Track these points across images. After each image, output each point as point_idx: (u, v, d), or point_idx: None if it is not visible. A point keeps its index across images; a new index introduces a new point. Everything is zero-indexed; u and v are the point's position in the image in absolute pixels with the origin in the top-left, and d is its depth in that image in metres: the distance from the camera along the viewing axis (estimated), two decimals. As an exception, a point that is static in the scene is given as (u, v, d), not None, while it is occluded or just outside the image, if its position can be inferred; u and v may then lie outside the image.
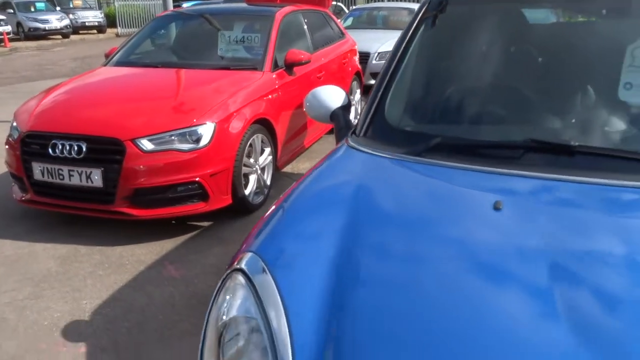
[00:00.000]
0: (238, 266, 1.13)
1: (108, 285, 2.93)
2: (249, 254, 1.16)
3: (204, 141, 3.38)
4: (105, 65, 4.67)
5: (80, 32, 22.95)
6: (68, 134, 3.37)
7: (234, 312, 1.05)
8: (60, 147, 3.36)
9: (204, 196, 3.43)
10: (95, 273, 3.07)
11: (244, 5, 5.62)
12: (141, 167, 3.25)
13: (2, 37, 18.12)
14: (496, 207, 1.18)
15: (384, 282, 1.01)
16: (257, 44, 4.51)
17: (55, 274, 3.06)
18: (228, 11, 5.21)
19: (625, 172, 1.35)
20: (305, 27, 5.20)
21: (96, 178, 3.30)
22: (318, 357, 0.89)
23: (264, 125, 3.95)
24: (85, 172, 3.31)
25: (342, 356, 0.88)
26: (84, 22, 23.18)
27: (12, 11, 21.04)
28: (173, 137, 3.36)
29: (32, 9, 21.51)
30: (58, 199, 3.47)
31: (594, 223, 1.17)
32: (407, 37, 1.92)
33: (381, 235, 1.16)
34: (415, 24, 1.95)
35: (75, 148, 3.33)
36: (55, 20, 21.26)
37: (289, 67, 4.40)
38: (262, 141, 3.92)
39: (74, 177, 3.34)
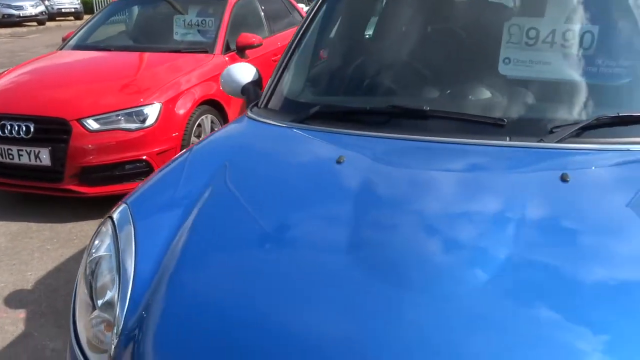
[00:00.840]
0: (110, 215, 1.30)
1: (54, 259, 3.07)
2: (123, 205, 1.32)
3: (150, 120, 3.52)
4: (60, 49, 4.75)
5: (57, 18, 22.69)
6: (16, 115, 3.48)
7: (100, 252, 1.22)
8: (9, 127, 3.47)
9: (151, 173, 3.57)
10: (44, 247, 3.20)
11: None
12: (88, 146, 3.38)
13: (-26, 24, 17.88)
14: (338, 161, 1.35)
15: (216, 226, 1.18)
16: (211, 27, 4.63)
17: (4, 249, 3.19)
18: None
19: (487, 134, 1.50)
20: (262, 12, 5.32)
21: (44, 157, 3.42)
22: (149, 288, 1.06)
23: (215, 106, 4.08)
24: (34, 151, 3.43)
25: (162, 288, 1.04)
26: (60, 9, 22.92)
27: (-16, -3, 20.71)
28: (119, 117, 3.48)
29: (6, -5, 21.19)
30: (9, 178, 3.58)
31: (424, 175, 1.35)
32: (310, 16, 2.07)
33: (236, 188, 1.33)
34: (317, 3, 2.11)
35: (24, 128, 3.44)
36: (30, 7, 21.00)
37: (241, 50, 4.52)
38: (212, 122, 4.05)
39: (23, 156, 3.46)
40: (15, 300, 2.67)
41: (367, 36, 2.11)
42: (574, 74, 1.81)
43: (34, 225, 3.46)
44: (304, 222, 1.19)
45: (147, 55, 4.34)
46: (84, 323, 1.15)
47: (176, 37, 4.73)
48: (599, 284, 0.96)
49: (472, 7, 2.09)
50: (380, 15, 2.12)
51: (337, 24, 2.10)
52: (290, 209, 1.22)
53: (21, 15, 20.56)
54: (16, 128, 3.45)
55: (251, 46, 4.54)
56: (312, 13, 2.09)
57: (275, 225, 1.17)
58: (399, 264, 1.00)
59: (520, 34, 1.87)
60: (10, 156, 3.49)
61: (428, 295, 0.93)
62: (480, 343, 0.85)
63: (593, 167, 1.36)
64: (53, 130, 3.43)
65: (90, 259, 1.22)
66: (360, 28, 2.04)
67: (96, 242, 1.25)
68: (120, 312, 1.07)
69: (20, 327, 2.45)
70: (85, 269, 1.22)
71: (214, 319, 0.96)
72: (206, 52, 4.31)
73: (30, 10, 21.00)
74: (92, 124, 3.41)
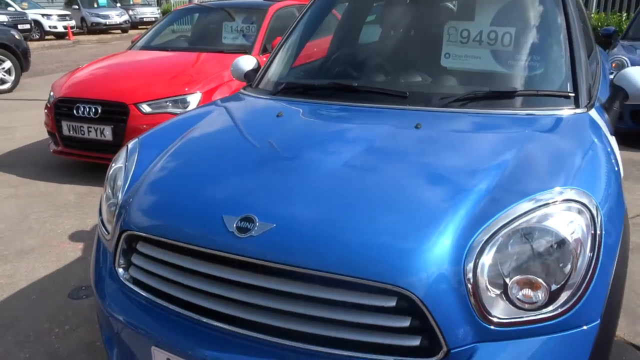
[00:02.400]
0: (127, 144, 1.98)
1: (109, 212, 3.86)
2: (136, 139, 2.00)
3: (191, 106, 4.26)
4: (129, 49, 5.66)
5: (139, 27, 24.58)
6: (88, 99, 4.35)
7: (117, 165, 1.90)
8: (82, 109, 4.33)
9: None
10: (102, 204, 4.01)
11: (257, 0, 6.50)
12: (142, 125, 4.16)
13: (66, 31, 19.87)
14: (278, 115, 1.97)
15: (184, 149, 1.84)
16: (252, 32, 5.37)
17: (72, 203, 4.03)
18: (233, 5, 6.08)
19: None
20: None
21: (107, 133, 4.25)
22: (136, 183, 1.73)
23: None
24: (100, 128, 4.27)
25: (143, 183, 1.70)
26: (142, 18, 24.77)
27: (77, 7, 22.87)
28: (167, 103, 4.26)
29: (95, 5, 23.29)
30: (79, 150, 4.45)
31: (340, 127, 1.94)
32: (294, 23, 2.72)
33: (209, 129, 1.98)
34: (308, 6, 2.75)
35: (93, 110, 4.29)
36: (116, 16, 22.95)
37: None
38: (246, 111, 4.77)
39: (92, 132, 4.31)
40: (76, 236, 3.46)
41: (335, 36, 2.74)
42: (494, 65, 2.32)
43: (96, 188, 4.28)
44: (241, 143, 1.83)
45: (198, 54, 5.13)
46: (105, 208, 1.83)
47: (224, 40, 5.50)
48: (400, 176, 1.54)
49: (420, 11, 2.64)
50: (344, 19, 2.74)
51: (310, 28, 2.74)
52: (234, 137, 1.88)
53: (107, 23, 22.54)
54: (87, 110, 4.31)
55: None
56: (296, 21, 2.73)
57: (220, 145, 1.82)
58: (288, 158, 1.63)
59: (457, 34, 2.40)
60: (82, 132, 4.35)
61: (302, 171, 1.56)
62: (325, 194, 1.44)
63: (442, 121, 1.90)
64: (115, 112, 4.25)
65: (111, 170, 1.91)
66: (328, 30, 2.66)
67: (116, 159, 1.94)
68: (121, 197, 1.73)
69: (77, 254, 3.22)
70: (108, 175, 1.90)
71: (167, 191, 1.62)
72: (245, 52, 5.03)
73: (116, 19, 22.94)
74: (145, 107, 4.20)
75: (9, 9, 18.96)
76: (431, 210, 1.36)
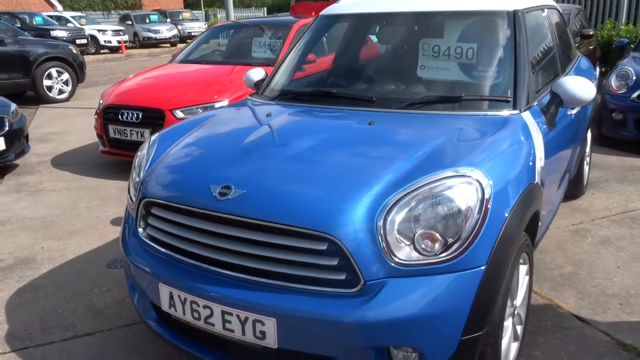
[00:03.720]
0: (150, 138, 2.53)
1: (145, 203, 4.45)
2: (158, 134, 2.55)
3: (219, 113, 4.84)
4: (169, 62, 6.33)
5: (187, 40, 25.81)
6: (131, 106, 5.00)
7: (141, 152, 2.45)
8: (126, 115, 4.98)
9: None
10: (140, 197, 4.62)
11: (279, 17, 7.07)
12: (176, 129, 4.76)
13: (120, 45, 21.17)
14: (267, 115, 2.48)
15: (194, 140, 2.36)
16: (278, 47, 5.92)
17: (115, 195, 4.65)
18: (263, 22, 6.67)
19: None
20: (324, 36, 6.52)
21: (147, 135, 4.87)
22: (154, 164, 2.26)
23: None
24: (140, 131, 4.90)
25: (159, 164, 2.23)
26: (190, 32, 26.03)
27: (130, 23, 24.29)
28: (198, 109, 4.84)
29: (147, 21, 24.69)
30: (124, 151, 5.09)
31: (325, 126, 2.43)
32: (296, 41, 3.23)
33: (213, 124, 2.51)
34: (305, 30, 3.26)
35: (135, 115, 4.93)
36: (165, 31, 24.25)
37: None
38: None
39: (133, 135, 4.95)
40: (116, 222, 4.05)
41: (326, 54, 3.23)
42: (460, 75, 2.75)
43: (136, 184, 4.90)
44: (232, 135, 2.35)
45: (229, 67, 5.72)
46: (132, 184, 2.37)
47: (253, 54, 6.08)
48: (342, 156, 2.02)
49: (399, 31, 3.10)
50: (341, 39, 3.25)
51: (306, 46, 3.24)
52: (229, 130, 2.41)
53: (157, 38, 23.84)
54: (130, 115, 4.96)
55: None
56: (298, 39, 3.25)
57: (216, 136, 2.35)
58: (263, 146, 2.14)
59: (430, 49, 2.85)
60: (125, 134, 5.00)
61: (271, 154, 2.07)
62: (283, 170, 1.93)
63: (393, 119, 2.35)
64: (153, 117, 4.87)
65: (137, 157, 2.45)
66: (322, 48, 3.16)
67: (141, 149, 2.49)
68: (142, 176, 2.26)
69: (116, 235, 3.81)
70: (135, 161, 2.45)
71: (173, 169, 2.15)
72: (269, 65, 5.58)
73: (165, 33, 24.20)
74: (179, 113, 4.80)
75: (69, 25, 20.42)
76: (357, 180, 1.82)
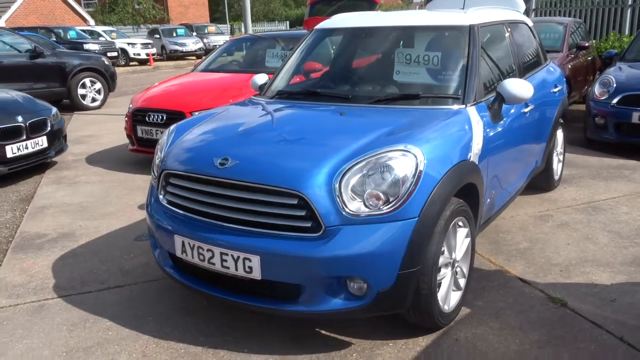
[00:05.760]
0: (168, 128, 3.15)
1: (168, 193, 5.09)
2: (174, 125, 3.17)
3: (233, 115, 5.48)
4: (192, 71, 7.03)
5: (208, 54, 26.90)
6: (157, 109, 5.67)
7: (163, 139, 3.06)
8: (152, 116, 5.66)
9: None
10: (163, 188, 5.26)
11: (293, 30, 7.72)
12: (195, 129, 5.41)
13: (148, 57, 22.18)
14: (264, 109, 3.09)
15: (203, 127, 2.97)
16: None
17: (142, 187, 5.31)
18: (276, 35, 7.34)
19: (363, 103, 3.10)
20: (331, 48, 7.16)
21: (170, 135, 5.53)
22: (172, 147, 2.88)
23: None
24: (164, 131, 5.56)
25: (175, 146, 2.85)
26: (215, 45, 26.99)
27: (158, 36, 25.36)
28: (215, 112, 5.49)
29: (174, 34, 25.76)
30: (150, 148, 5.75)
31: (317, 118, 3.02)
32: (295, 49, 3.84)
33: (221, 116, 3.13)
34: (302, 40, 3.87)
35: (160, 117, 5.61)
36: (192, 44, 25.26)
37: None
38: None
39: (158, 134, 5.61)
40: (143, 207, 4.69)
41: (319, 59, 3.85)
42: (427, 79, 3.31)
43: (160, 178, 5.56)
44: (234, 123, 2.95)
45: (245, 75, 6.36)
46: (155, 162, 2.98)
47: (267, 64, 6.72)
48: (315, 137, 2.59)
49: (380, 42, 3.68)
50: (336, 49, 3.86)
51: (303, 55, 3.85)
52: (232, 120, 3.02)
53: (184, 50, 24.83)
54: (156, 117, 5.63)
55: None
56: (297, 48, 3.86)
57: (222, 124, 2.96)
58: (257, 130, 2.75)
59: (403, 57, 3.42)
60: (151, 134, 5.67)
61: (260, 135, 2.68)
62: (269, 145, 2.51)
63: (361, 111, 2.93)
64: (176, 119, 5.48)
65: (159, 144, 3.08)
66: (314, 56, 3.78)
67: (163, 136, 3.12)
68: (162, 155, 2.88)
69: (142, 216, 4.44)
70: (157, 146, 3.07)
71: (186, 148, 2.75)
72: (281, 73, 6.22)
73: (191, 46, 25.19)
74: (198, 115, 5.45)
75: (100, 38, 21.50)
76: (323, 153, 2.40)
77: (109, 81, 10.76)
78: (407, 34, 3.58)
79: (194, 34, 27.25)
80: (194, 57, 25.19)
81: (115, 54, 19.80)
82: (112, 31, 24.34)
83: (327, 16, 7.35)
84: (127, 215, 4.48)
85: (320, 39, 4.04)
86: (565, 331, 2.59)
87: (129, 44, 22.60)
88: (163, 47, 24.99)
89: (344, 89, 3.45)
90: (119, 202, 4.85)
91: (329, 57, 4.29)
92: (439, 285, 2.53)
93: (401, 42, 3.58)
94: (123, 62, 21.70)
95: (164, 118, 5.59)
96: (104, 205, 4.79)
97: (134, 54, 22.39)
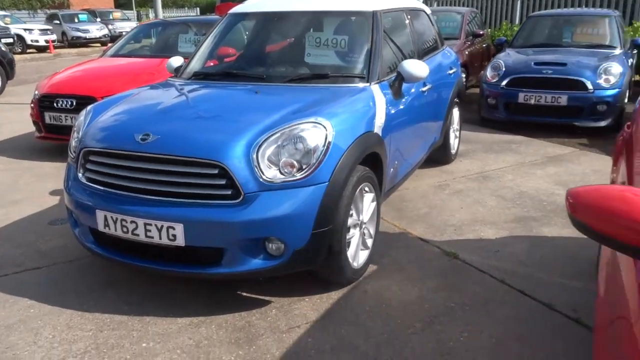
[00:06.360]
0: (84, 109, 3.19)
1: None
2: (90, 106, 3.22)
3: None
4: (100, 56, 6.86)
5: (117, 40, 25.78)
6: (65, 94, 5.54)
7: (79, 119, 3.10)
8: (61, 102, 5.52)
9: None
10: (76, 174, 5.17)
11: (205, 16, 7.74)
12: (107, 114, 5.35)
13: (47, 44, 20.91)
14: (180, 89, 3.22)
15: (115, 110, 3.05)
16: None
17: (52, 174, 5.17)
18: (189, 21, 7.34)
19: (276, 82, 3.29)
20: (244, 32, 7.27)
21: (80, 120, 5.43)
22: (88, 127, 2.94)
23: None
24: (74, 117, 5.44)
25: (90, 127, 2.91)
26: (122, 32, 25.88)
27: (58, 22, 23.92)
28: (128, 97, 5.45)
29: (76, 20, 24.41)
30: (60, 135, 5.61)
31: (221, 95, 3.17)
32: (211, 32, 3.97)
33: (136, 96, 3.21)
34: (216, 24, 4.00)
35: (69, 103, 5.48)
36: (95, 30, 24.08)
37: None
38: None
39: (68, 120, 5.49)
40: (54, 193, 4.61)
41: (232, 41, 4.01)
42: (336, 60, 3.57)
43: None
44: (152, 101, 3.06)
45: (157, 60, 6.32)
46: (73, 142, 3.01)
47: (180, 49, 6.72)
48: (228, 113, 2.77)
49: (292, 26, 3.90)
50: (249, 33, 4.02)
51: (218, 38, 3.99)
52: (150, 99, 3.12)
53: (87, 37, 23.63)
54: (65, 103, 5.49)
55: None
56: (211, 31, 3.99)
57: (141, 103, 3.06)
58: (174, 108, 2.87)
59: (313, 40, 3.65)
60: (60, 120, 5.53)
61: (177, 112, 2.82)
62: (186, 121, 2.66)
63: (275, 89, 3.17)
64: (87, 104, 5.38)
65: (76, 122, 3.11)
66: (228, 41, 3.94)
67: (80, 116, 3.15)
68: (81, 134, 2.93)
69: (55, 202, 4.37)
70: (75, 125, 3.10)
71: (105, 125, 2.83)
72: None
73: (96, 33, 24.01)
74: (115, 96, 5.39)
75: (-7, 23, 19.93)
76: (240, 126, 2.59)
77: (7, 69, 10.13)
78: (317, 18, 3.82)
79: (98, 19, 25.97)
80: (99, 45, 24.04)
81: (10, 40, 18.50)
82: (5, 16, 22.65)
83: (240, 1, 7.46)
84: (39, 202, 4.40)
85: (234, 23, 4.18)
86: (456, 278, 2.98)
87: (25, 29, 21.17)
88: (64, 33, 23.62)
89: (258, 70, 3.64)
90: (28, 189, 4.72)
91: (243, 41, 4.45)
92: (349, 244, 2.82)
93: (311, 26, 3.82)
94: (20, 50, 20.30)
95: (74, 103, 5.47)
96: (12, 192, 4.65)
97: (31, 41, 21.01)
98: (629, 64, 6.61)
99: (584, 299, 2.73)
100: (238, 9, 4.15)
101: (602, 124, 6.04)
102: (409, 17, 4.22)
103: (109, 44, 7.13)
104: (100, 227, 2.70)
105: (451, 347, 2.40)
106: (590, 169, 4.99)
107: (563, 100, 6.08)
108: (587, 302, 2.70)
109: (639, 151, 1.92)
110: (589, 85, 5.99)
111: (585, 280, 2.91)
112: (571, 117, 6.15)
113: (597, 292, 1.74)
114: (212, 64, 3.93)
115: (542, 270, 3.07)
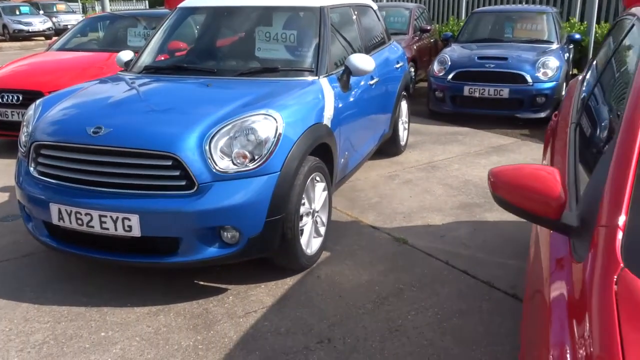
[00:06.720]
0: (34, 103, 3.17)
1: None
2: (40, 100, 3.20)
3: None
4: (46, 50, 6.70)
5: (63, 33, 24.90)
6: (11, 89, 5.40)
7: (28, 114, 3.08)
8: (6, 97, 5.38)
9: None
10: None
11: (154, 10, 7.66)
12: (56, 109, 5.26)
13: (-13, 37, 19.95)
14: (130, 82, 3.25)
15: (63, 105, 3.06)
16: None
17: (0, 170, 5.06)
18: (138, 14, 7.25)
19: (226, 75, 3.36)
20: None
21: (27, 116, 5.31)
22: (38, 121, 2.93)
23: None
24: (21, 112, 5.32)
25: (40, 121, 2.91)
26: (67, 25, 24.99)
27: (-2, 14, 22.87)
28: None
29: (17, 12, 23.40)
30: (5, 131, 5.47)
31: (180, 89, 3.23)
32: (160, 26, 3.99)
33: (84, 92, 3.22)
34: (166, 18, 4.03)
35: (15, 97, 5.35)
36: (39, 23, 23.14)
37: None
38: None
39: (14, 115, 5.36)
40: (3, 189, 4.51)
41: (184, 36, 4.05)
42: (285, 54, 3.66)
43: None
44: (103, 95, 3.09)
45: (106, 54, 6.23)
46: (22, 137, 3.00)
47: (129, 43, 6.63)
48: (181, 105, 2.84)
49: (242, 21, 3.97)
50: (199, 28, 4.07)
51: (168, 32, 4.02)
52: (101, 92, 3.14)
53: (30, 30, 22.70)
54: (10, 97, 5.36)
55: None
56: (161, 25, 4.00)
57: (91, 97, 3.07)
58: (125, 101, 2.91)
59: (263, 35, 3.73)
60: (6, 116, 5.39)
61: (129, 105, 2.84)
62: (138, 115, 2.70)
63: (226, 83, 3.25)
64: (34, 99, 5.22)
65: (26, 115, 3.08)
66: (178, 35, 3.99)
67: (29, 110, 3.12)
68: (31, 128, 2.92)
69: (5, 199, 4.29)
70: (24, 119, 3.07)
71: (56, 119, 2.83)
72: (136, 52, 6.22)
73: (39, 26, 23.08)
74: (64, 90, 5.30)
75: None
76: (193, 119, 2.66)
77: (-56, 62, 9.69)
78: (266, 13, 3.90)
79: (41, 12, 24.97)
80: (43, 38, 23.16)
81: (-55, 32, 17.56)
82: (-61, 7, 21.48)
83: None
84: (-13, 199, 4.31)
85: (184, 17, 4.21)
86: (404, 261, 3.15)
87: (-39, 22, 20.14)
88: (5, 26, 22.61)
89: (209, 63, 3.70)
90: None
91: (193, 35, 4.48)
92: (302, 231, 2.94)
93: (261, 21, 3.90)
94: (-44, 43, 19.32)
95: (20, 98, 5.34)
96: (-43, 190, 4.53)
97: (-32, 34, 20.01)
98: (566, 58, 7.00)
99: (521, 277, 2.95)
100: (188, 2, 4.19)
101: (542, 115, 6.39)
102: (356, 12, 4.36)
103: (54, 38, 6.93)
104: (55, 220, 2.71)
105: (400, 324, 2.56)
106: (530, 157, 5.30)
107: (505, 93, 6.39)
108: (524, 279, 2.92)
109: (559, 136, 2.12)
110: (529, 79, 6.32)
111: (522, 260, 3.14)
112: (513, 109, 6.47)
113: (527, 267, 1.93)
114: (163, 58, 3.96)
115: (483, 251, 3.28)
